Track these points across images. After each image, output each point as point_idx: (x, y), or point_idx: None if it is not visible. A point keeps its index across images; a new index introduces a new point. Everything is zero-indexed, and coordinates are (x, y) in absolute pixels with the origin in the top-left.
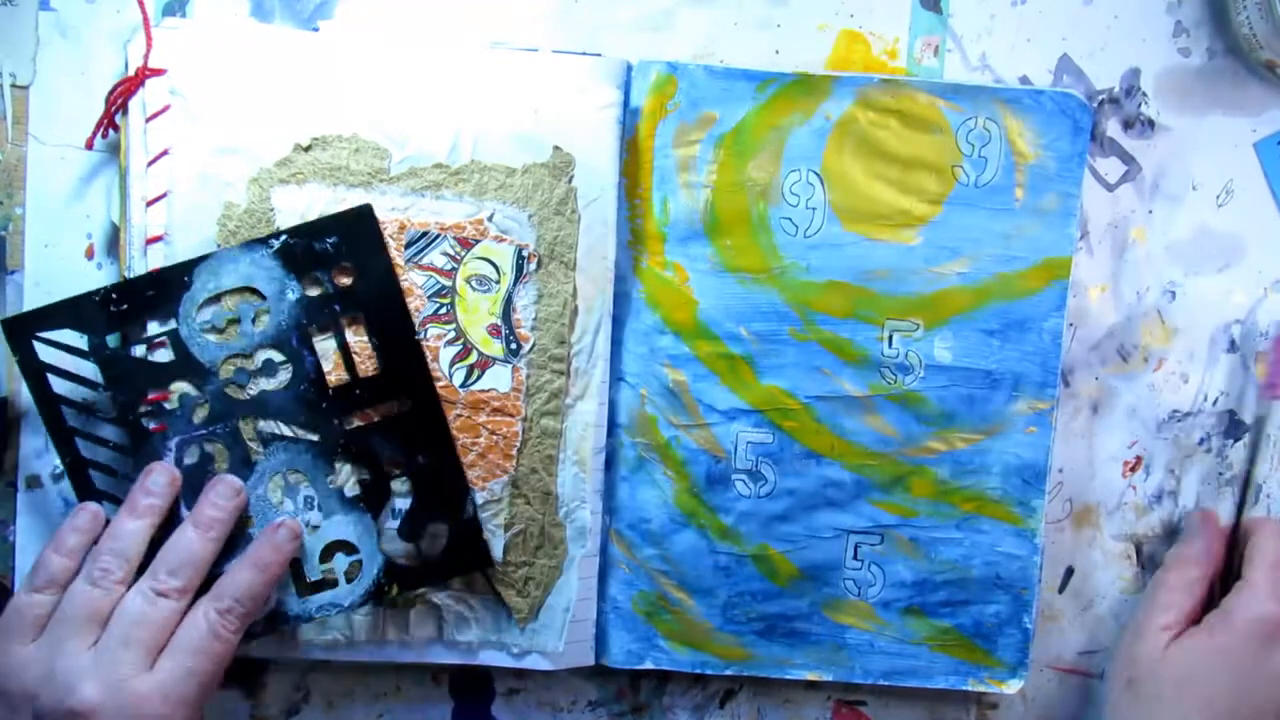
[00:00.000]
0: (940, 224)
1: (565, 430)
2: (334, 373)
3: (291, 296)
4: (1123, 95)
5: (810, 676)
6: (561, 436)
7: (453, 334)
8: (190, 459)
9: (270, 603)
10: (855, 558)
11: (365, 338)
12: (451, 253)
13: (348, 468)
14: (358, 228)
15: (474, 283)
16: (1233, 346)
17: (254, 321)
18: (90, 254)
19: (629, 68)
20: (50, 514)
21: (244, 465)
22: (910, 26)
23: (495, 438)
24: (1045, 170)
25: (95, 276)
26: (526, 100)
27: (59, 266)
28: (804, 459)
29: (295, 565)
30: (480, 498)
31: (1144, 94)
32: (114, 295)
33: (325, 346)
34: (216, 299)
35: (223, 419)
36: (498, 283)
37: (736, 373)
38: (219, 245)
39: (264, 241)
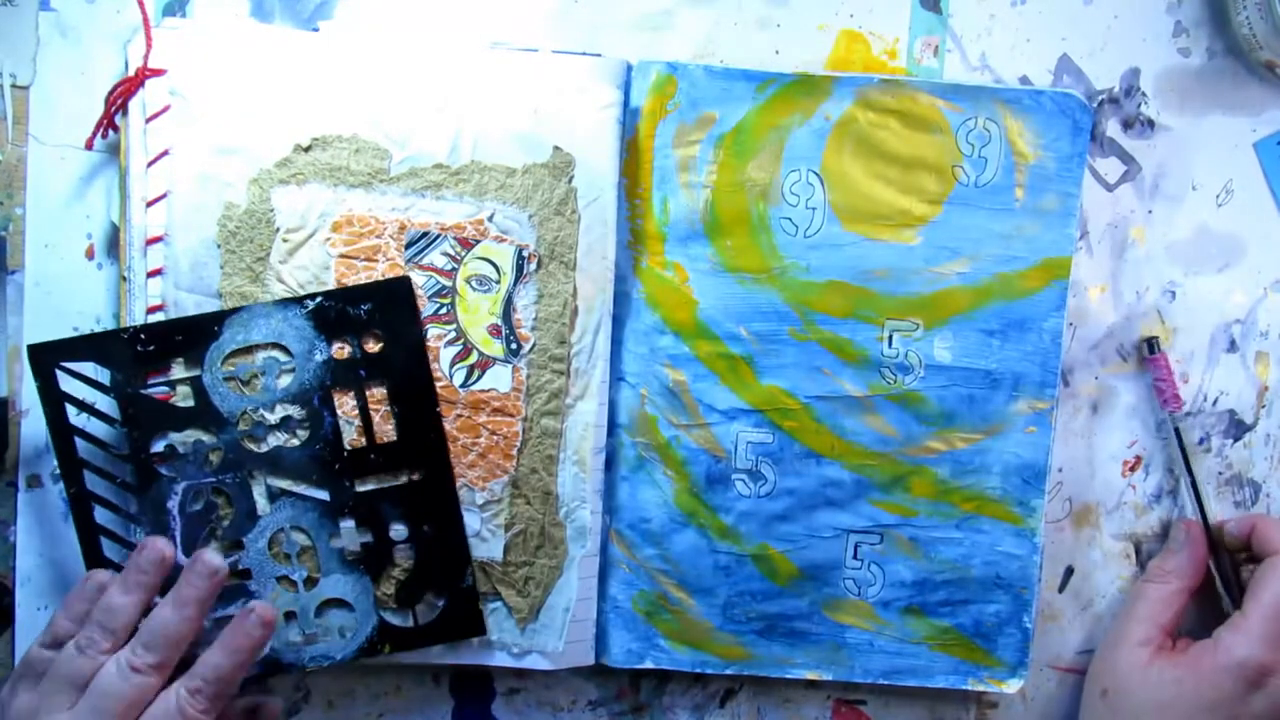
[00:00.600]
0: (940, 224)
1: (565, 430)
2: (351, 436)
3: (319, 357)
4: (1122, 95)
5: (810, 676)
6: (561, 436)
7: (453, 334)
8: (195, 505)
9: (265, 649)
10: (855, 557)
11: (386, 405)
12: (452, 253)
13: (352, 529)
14: (394, 297)
15: (474, 283)
16: (1233, 346)
17: (278, 378)
18: (90, 254)
19: (629, 68)
20: (50, 514)
21: (249, 518)
22: (910, 26)
23: (495, 438)
24: (1045, 170)
25: (95, 276)
26: (526, 100)
27: (59, 266)
28: (804, 459)
29: (290, 615)
30: (480, 498)
31: (1144, 94)
32: (142, 335)
33: (346, 409)
34: (244, 351)
35: (234, 469)
36: (498, 283)
37: (736, 373)
38: (219, 245)
39: (299, 301)
